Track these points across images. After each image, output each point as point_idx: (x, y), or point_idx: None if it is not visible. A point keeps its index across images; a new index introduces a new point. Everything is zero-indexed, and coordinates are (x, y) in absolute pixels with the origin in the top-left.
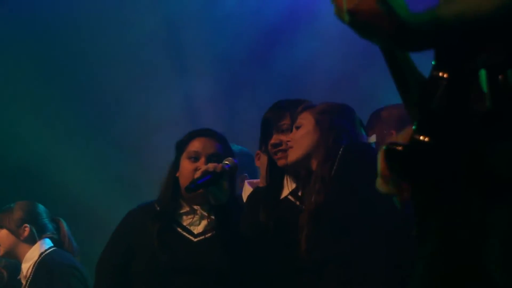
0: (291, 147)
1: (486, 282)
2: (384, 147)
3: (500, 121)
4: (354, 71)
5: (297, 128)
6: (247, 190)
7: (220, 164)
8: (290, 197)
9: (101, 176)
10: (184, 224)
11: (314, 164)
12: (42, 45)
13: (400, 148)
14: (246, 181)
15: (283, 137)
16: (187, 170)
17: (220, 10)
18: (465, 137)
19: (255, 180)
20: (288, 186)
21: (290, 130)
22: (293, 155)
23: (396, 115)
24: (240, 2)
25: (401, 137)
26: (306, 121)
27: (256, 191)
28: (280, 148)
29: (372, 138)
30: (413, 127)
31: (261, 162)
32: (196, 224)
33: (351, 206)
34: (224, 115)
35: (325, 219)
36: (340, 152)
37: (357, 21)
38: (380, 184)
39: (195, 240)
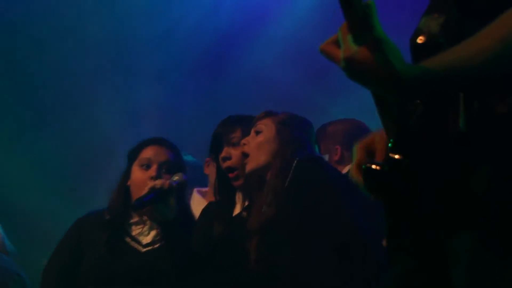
0: (247, 154)
1: None
2: (363, 167)
3: (474, 144)
4: (307, 86)
5: (257, 133)
6: (195, 199)
7: (168, 181)
8: (244, 213)
9: (42, 181)
10: (133, 234)
11: (268, 175)
12: None
13: (376, 167)
14: (195, 189)
15: (233, 151)
16: (139, 178)
17: (171, 17)
18: (440, 158)
19: (204, 189)
20: (240, 203)
21: (239, 144)
22: (251, 165)
23: (342, 130)
24: (191, 12)
25: (375, 141)
26: (267, 128)
27: (209, 206)
28: (230, 163)
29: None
30: (389, 144)
31: (210, 170)
32: (145, 234)
33: (302, 220)
34: (171, 124)
35: (275, 230)
36: (294, 165)
37: (353, 70)
38: (353, 174)
39: (143, 250)
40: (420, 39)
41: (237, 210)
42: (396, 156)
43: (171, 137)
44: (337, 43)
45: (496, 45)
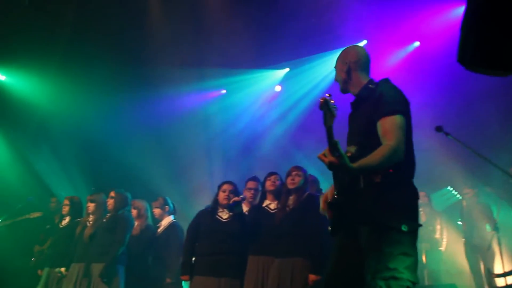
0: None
1: None
2: (327, 202)
3: (365, 194)
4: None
5: (298, 175)
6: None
7: (239, 197)
8: (270, 206)
9: None
10: (219, 214)
11: (296, 193)
12: None
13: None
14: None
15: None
16: (222, 196)
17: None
18: (354, 197)
19: (245, 202)
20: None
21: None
22: (295, 186)
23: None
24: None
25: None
26: (301, 175)
27: (252, 207)
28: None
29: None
30: (335, 192)
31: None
32: (224, 215)
33: (303, 217)
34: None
35: (292, 216)
36: (305, 195)
37: (331, 165)
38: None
39: (223, 221)
40: (348, 153)
41: (265, 203)
42: (337, 196)
43: None
44: (324, 155)
45: (384, 157)
